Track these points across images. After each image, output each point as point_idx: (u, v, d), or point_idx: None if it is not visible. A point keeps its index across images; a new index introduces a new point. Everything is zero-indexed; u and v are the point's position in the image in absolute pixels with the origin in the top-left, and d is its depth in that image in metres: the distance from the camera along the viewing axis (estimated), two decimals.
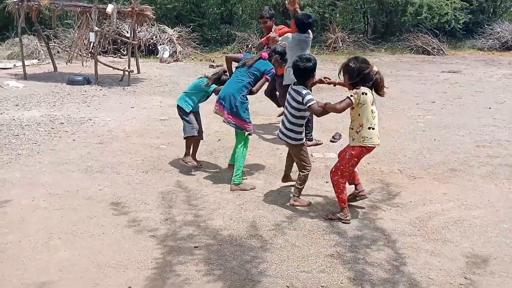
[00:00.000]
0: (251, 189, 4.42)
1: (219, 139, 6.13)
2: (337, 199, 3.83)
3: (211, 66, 13.49)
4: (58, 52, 14.08)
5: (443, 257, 3.25)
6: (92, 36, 9.92)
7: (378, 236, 3.55)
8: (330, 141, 6.13)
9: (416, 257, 3.25)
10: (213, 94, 4.97)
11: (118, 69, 10.74)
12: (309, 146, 5.43)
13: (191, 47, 16.07)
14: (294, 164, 4.28)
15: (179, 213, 3.91)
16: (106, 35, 11.08)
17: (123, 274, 3.00)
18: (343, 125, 6.88)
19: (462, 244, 3.44)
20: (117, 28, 13.83)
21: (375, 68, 3.63)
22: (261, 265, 3.12)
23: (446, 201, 4.22)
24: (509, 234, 3.60)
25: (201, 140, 5.15)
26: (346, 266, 3.12)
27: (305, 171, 4.08)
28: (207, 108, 5.66)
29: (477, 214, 3.96)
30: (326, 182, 4.53)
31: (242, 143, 4.47)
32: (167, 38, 15.38)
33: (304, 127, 4.08)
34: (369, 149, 3.77)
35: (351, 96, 3.59)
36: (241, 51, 16.50)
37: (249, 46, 16.54)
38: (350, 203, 4.00)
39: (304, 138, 4.14)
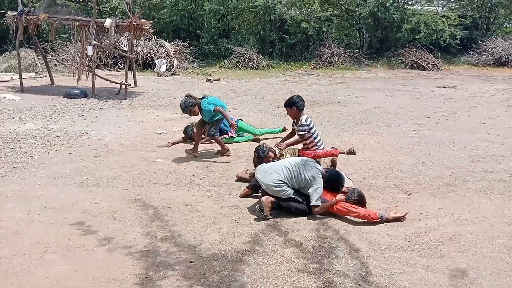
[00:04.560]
0: None
1: (216, 153, 6.14)
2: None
3: (208, 80, 13.57)
4: (56, 65, 14.13)
5: (438, 272, 3.25)
6: (90, 50, 9.99)
7: (374, 252, 3.55)
8: None
9: (412, 272, 3.25)
10: None
11: (115, 82, 10.78)
12: None
13: (188, 61, 16.17)
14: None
15: (174, 228, 3.90)
16: (104, 49, 11.13)
17: None
18: (339, 139, 6.92)
19: (458, 259, 3.44)
20: (115, 42, 13.92)
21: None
22: (256, 281, 3.11)
23: (442, 216, 4.23)
24: (504, 249, 3.61)
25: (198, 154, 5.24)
26: (343, 282, 3.11)
27: None
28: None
29: (472, 229, 3.97)
30: None
31: None
32: (164, 52, 15.48)
33: None
34: None
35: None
36: (238, 65, 16.65)
37: (246, 61, 16.68)
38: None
39: None
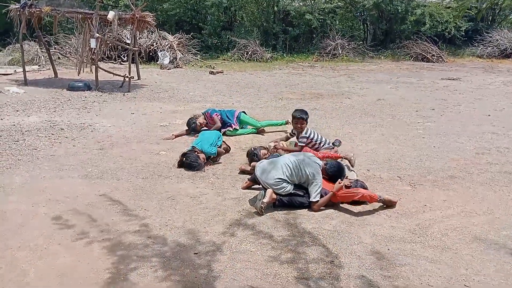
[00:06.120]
0: None
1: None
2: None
3: (211, 73, 13.54)
4: (59, 58, 14.13)
5: (443, 264, 3.25)
6: (93, 43, 9.97)
7: (377, 243, 3.55)
8: None
9: (416, 264, 3.25)
10: None
11: (118, 75, 10.77)
12: None
13: (191, 53, 16.14)
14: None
15: (178, 219, 3.91)
16: (107, 42, 11.11)
17: (123, 281, 3.00)
18: (343, 131, 6.90)
19: (462, 251, 3.44)
20: (118, 34, 13.90)
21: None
22: (260, 272, 3.11)
23: (446, 208, 4.22)
24: (508, 241, 3.60)
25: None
26: (346, 272, 3.12)
27: None
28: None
29: (477, 221, 3.96)
30: None
31: None
32: (167, 44, 15.45)
33: None
34: None
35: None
36: (241, 57, 16.61)
37: (249, 53, 16.62)
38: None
39: None
